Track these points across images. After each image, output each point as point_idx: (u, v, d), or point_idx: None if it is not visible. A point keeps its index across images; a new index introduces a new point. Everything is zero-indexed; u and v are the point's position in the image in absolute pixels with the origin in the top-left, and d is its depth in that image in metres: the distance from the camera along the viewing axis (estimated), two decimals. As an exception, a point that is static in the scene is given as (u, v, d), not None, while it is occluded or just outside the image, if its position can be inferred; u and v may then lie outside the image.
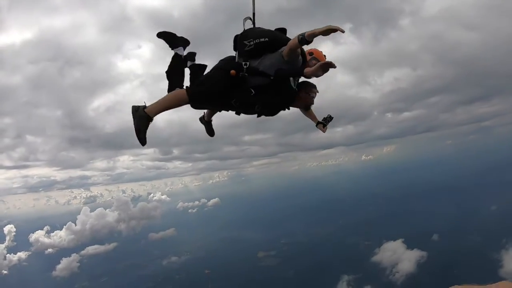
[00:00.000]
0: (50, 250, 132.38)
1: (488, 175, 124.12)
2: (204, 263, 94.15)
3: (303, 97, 5.68)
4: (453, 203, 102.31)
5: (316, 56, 5.48)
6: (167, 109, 5.25)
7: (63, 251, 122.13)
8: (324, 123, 6.18)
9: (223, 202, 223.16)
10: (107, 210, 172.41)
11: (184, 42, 6.01)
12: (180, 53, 5.91)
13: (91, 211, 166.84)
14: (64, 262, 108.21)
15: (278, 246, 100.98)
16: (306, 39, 4.67)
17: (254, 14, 5.69)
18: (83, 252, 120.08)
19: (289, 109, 5.81)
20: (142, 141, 5.15)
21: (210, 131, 6.61)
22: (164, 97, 5.29)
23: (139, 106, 5.17)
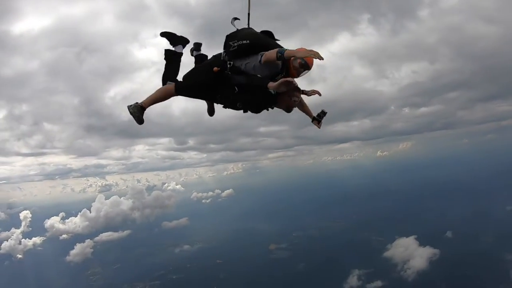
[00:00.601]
0: (64, 236, 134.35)
1: (505, 176, 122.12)
2: (216, 253, 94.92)
3: (284, 100, 5.75)
4: (467, 203, 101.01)
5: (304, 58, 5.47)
6: (158, 102, 6.03)
7: (77, 237, 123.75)
8: (318, 119, 6.37)
9: (237, 193, 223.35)
10: (122, 198, 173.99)
11: (184, 41, 6.51)
12: (179, 51, 6.46)
13: (106, 199, 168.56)
14: (78, 247, 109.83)
15: (290, 239, 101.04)
16: (284, 57, 5.17)
17: (249, 14, 6.25)
18: (97, 238, 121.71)
19: (272, 108, 5.98)
20: (139, 120, 5.89)
21: (211, 111, 6.88)
22: (155, 91, 6.01)
23: (133, 103, 5.93)
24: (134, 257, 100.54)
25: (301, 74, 5.68)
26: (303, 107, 6.47)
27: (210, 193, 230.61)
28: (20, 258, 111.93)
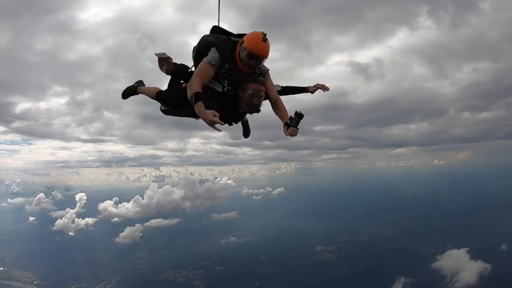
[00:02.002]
0: (116, 219, 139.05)
1: None
2: (261, 249, 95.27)
3: (241, 98, 5.44)
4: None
5: (248, 46, 5.16)
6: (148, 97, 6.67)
7: (128, 221, 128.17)
8: (291, 124, 5.07)
9: (288, 192, 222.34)
10: (174, 188, 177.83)
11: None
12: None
13: (159, 188, 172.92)
14: (128, 230, 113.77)
15: (337, 242, 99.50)
16: (194, 103, 4.79)
17: (219, 17, 6.30)
18: (146, 224, 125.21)
19: (250, 113, 5.70)
20: (123, 95, 7.03)
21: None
22: (151, 88, 6.68)
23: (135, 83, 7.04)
24: (181, 245, 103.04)
25: (253, 65, 5.32)
26: (278, 109, 5.61)
27: (261, 190, 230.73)
28: (71, 235, 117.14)
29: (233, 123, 5.97)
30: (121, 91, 6.98)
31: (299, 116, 5.04)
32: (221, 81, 5.39)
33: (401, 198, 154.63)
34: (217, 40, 5.48)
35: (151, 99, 6.49)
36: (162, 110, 6.33)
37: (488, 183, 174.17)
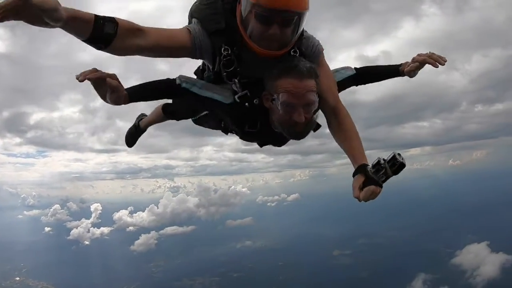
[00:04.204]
0: (131, 228, 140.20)
1: None
2: (278, 255, 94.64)
3: (269, 110, 3.08)
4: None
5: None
6: (156, 123, 4.66)
7: (143, 230, 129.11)
8: (370, 176, 2.76)
9: (303, 198, 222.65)
10: (189, 196, 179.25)
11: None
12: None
13: (173, 196, 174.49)
14: (143, 238, 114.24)
15: (355, 246, 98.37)
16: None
17: None
18: (162, 231, 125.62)
19: (291, 138, 3.29)
20: (130, 143, 5.06)
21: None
22: (154, 110, 4.51)
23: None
24: (197, 252, 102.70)
25: (275, 35, 2.81)
26: (340, 129, 3.26)
27: (276, 197, 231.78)
28: (87, 244, 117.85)
29: (277, 145, 3.86)
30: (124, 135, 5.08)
31: (395, 164, 2.62)
32: (227, 81, 3.17)
33: (418, 200, 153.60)
34: (203, 7, 3.18)
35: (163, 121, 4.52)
36: (193, 120, 4.22)
37: (505, 182, 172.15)
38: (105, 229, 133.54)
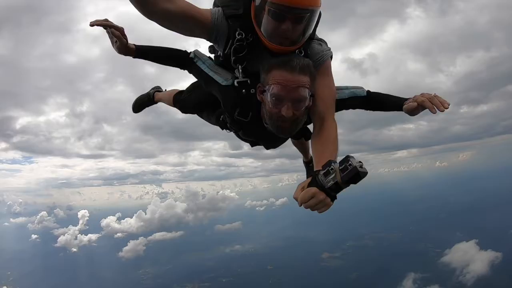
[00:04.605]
0: (119, 234, 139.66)
1: None
2: (267, 259, 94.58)
3: (261, 102, 3.11)
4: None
5: None
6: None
7: (131, 236, 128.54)
8: (317, 180, 2.34)
9: (292, 202, 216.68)
10: (177, 202, 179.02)
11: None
12: None
13: (161, 202, 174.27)
14: (131, 244, 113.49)
15: (344, 248, 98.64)
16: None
17: None
18: (150, 237, 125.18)
19: (277, 134, 3.20)
20: (136, 108, 5.07)
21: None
22: (169, 91, 4.67)
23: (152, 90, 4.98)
24: (186, 257, 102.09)
25: (284, 32, 2.90)
26: (319, 138, 3.03)
27: (265, 201, 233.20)
28: (74, 251, 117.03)
29: (268, 146, 3.95)
30: (132, 102, 5.09)
31: (347, 169, 2.21)
32: (233, 66, 3.27)
33: (405, 202, 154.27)
34: None
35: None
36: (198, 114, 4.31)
37: (492, 183, 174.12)
38: (93, 236, 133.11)
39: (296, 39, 3.03)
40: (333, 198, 2.39)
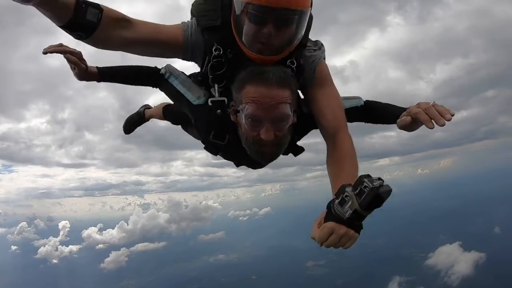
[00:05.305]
0: (100, 245, 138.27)
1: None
2: (251, 268, 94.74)
3: (237, 123, 2.57)
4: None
5: None
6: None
7: (113, 247, 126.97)
8: (334, 213, 1.89)
9: (275, 212, 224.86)
10: (159, 212, 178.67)
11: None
12: None
13: (144, 212, 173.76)
14: (113, 255, 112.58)
15: (328, 257, 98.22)
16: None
17: None
18: (132, 248, 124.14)
19: (256, 160, 2.70)
20: (127, 129, 4.64)
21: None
22: (158, 105, 4.23)
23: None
24: (169, 268, 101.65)
25: (267, 39, 2.38)
26: (334, 156, 2.64)
27: (248, 211, 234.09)
28: (55, 263, 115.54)
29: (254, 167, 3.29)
30: (123, 124, 4.63)
31: (364, 193, 1.77)
32: (211, 85, 2.75)
33: (389, 208, 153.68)
34: (200, 1, 2.79)
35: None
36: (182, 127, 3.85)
37: (473, 187, 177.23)
38: (74, 247, 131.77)
39: (280, 47, 2.46)
40: (358, 229, 1.95)
